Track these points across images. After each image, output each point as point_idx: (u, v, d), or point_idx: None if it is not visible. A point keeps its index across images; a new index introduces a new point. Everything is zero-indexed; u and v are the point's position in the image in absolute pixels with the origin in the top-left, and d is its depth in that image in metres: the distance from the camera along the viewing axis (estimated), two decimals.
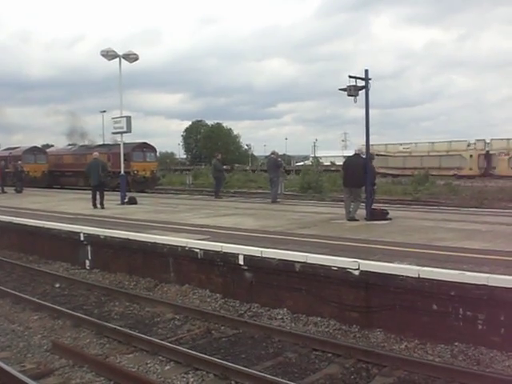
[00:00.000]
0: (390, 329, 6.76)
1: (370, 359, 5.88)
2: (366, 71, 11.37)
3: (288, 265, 7.83)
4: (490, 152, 43.76)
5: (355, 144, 57.69)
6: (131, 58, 18.52)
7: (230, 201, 20.80)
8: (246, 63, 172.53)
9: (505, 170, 40.99)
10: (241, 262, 8.43)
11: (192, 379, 5.56)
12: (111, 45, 18.19)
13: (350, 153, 14.75)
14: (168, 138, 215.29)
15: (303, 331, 7.02)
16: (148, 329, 7.33)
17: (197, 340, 6.85)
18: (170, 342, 6.54)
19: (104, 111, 59.55)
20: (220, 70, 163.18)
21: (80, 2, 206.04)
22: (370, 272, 7.00)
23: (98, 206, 16.73)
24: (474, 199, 24.63)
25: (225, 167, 34.11)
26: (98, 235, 11.23)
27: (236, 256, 8.49)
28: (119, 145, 20.00)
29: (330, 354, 6.16)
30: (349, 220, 11.84)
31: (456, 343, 6.19)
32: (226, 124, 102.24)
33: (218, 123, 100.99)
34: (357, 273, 7.09)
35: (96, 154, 18.64)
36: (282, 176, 25.38)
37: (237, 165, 70.67)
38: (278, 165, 18.76)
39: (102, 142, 43.45)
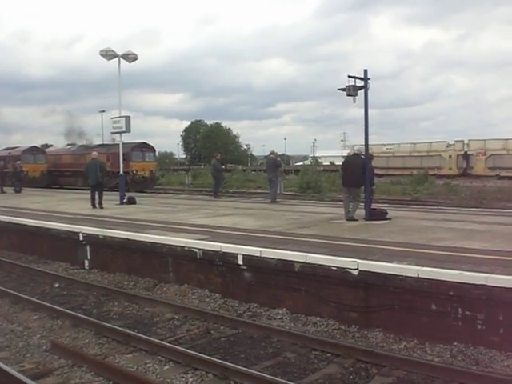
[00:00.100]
0: (389, 329, 6.76)
1: (369, 359, 5.89)
2: (365, 71, 11.37)
3: (287, 265, 7.83)
4: (468, 152, 45.09)
5: (355, 144, 58.63)
6: (130, 57, 18.50)
7: (229, 201, 20.80)
8: (245, 63, 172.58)
9: (482, 170, 42.24)
10: (240, 261, 8.43)
11: (191, 379, 5.56)
12: (110, 45, 18.12)
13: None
14: (167, 138, 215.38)
15: (302, 331, 7.02)
16: (147, 329, 7.33)
17: (196, 340, 6.85)
18: (169, 342, 6.54)
19: (103, 111, 59.64)
20: (219, 70, 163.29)
21: (79, 2, 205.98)
22: (369, 272, 7.00)
23: (97, 205, 16.73)
24: (473, 199, 24.66)
25: (224, 167, 34.12)
26: (97, 235, 11.22)
27: (235, 256, 8.49)
28: (118, 145, 19.99)
29: (329, 354, 6.16)
30: (348, 220, 11.84)
31: (455, 343, 6.19)
32: (225, 124, 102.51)
33: (217, 123, 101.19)
34: (356, 273, 7.10)
35: (95, 153, 18.62)
36: (281, 176, 25.42)
37: (230, 164, 68.63)
38: (277, 165, 18.76)
39: (100, 142, 43.51)
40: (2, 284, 10.01)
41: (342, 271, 7.23)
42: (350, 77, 11.35)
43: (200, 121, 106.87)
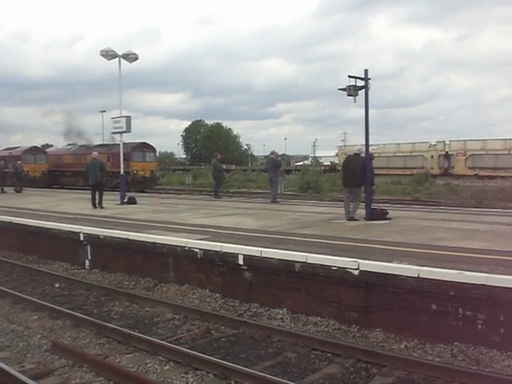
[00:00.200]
0: (390, 329, 6.76)
1: (369, 359, 5.89)
2: (366, 71, 11.37)
3: (288, 265, 7.83)
4: (449, 153, 46.40)
5: (343, 145, 59.47)
6: (131, 57, 18.51)
7: (229, 201, 20.80)
8: (244, 63, 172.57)
9: (462, 170, 43.53)
10: (240, 261, 8.43)
11: (192, 379, 5.56)
12: (110, 45, 18.15)
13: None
14: (167, 138, 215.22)
15: (303, 331, 7.03)
16: (147, 329, 7.33)
17: (196, 340, 6.85)
18: (169, 342, 6.54)
19: (103, 111, 59.68)
20: (219, 70, 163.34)
21: (79, 2, 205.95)
22: (369, 272, 7.00)
23: (97, 205, 16.74)
24: (474, 199, 24.65)
25: (224, 167, 34.10)
26: (98, 235, 11.23)
27: (236, 256, 8.49)
28: (119, 145, 20.00)
29: (329, 354, 6.17)
30: (348, 220, 11.84)
31: (455, 343, 6.19)
32: (225, 124, 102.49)
33: (217, 123, 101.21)
34: (356, 273, 7.10)
35: (95, 153, 18.63)
36: (282, 176, 25.41)
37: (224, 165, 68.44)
38: (277, 164, 18.76)
39: (99, 142, 43.55)
40: (2, 284, 10.01)
41: (343, 271, 7.23)
42: (350, 77, 11.34)
43: (200, 121, 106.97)
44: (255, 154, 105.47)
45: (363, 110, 11.53)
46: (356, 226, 11.24)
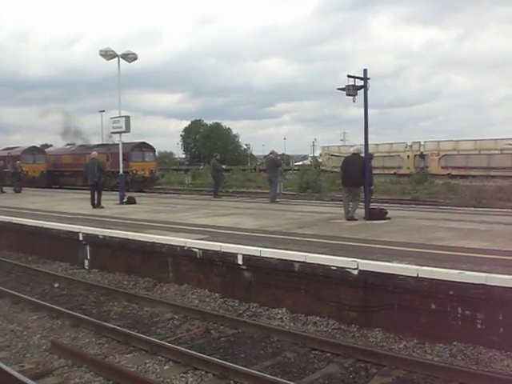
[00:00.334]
0: (389, 328, 6.76)
1: (368, 359, 5.89)
2: (365, 71, 11.37)
3: (287, 264, 7.83)
4: (424, 153, 48.04)
5: (326, 145, 60.68)
6: (130, 57, 18.50)
7: (228, 200, 20.79)
8: (244, 63, 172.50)
9: (435, 169, 45.07)
10: (240, 261, 8.43)
11: (191, 379, 5.56)
12: (110, 45, 18.19)
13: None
14: (167, 138, 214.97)
15: (302, 331, 7.03)
16: (147, 328, 7.33)
17: (196, 340, 6.85)
18: (168, 342, 6.54)
19: (103, 111, 59.63)
20: (218, 70, 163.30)
21: (78, 2, 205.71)
22: (368, 271, 7.00)
23: (96, 205, 16.75)
24: (473, 199, 24.66)
25: (224, 167, 34.15)
26: (97, 235, 11.22)
27: (235, 256, 8.49)
28: (118, 144, 20.00)
29: (328, 354, 6.17)
30: (348, 219, 11.84)
31: (455, 343, 6.19)
32: (224, 124, 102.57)
33: (216, 123, 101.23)
34: (356, 272, 7.10)
35: (94, 153, 18.61)
36: (281, 175, 25.41)
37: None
38: (277, 164, 18.76)
39: (97, 141, 43.71)
40: (1, 284, 10.00)
41: (342, 271, 7.23)
42: (349, 76, 11.34)
43: (200, 120, 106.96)
44: (254, 153, 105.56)
45: (362, 110, 11.54)
46: (355, 225, 11.25)
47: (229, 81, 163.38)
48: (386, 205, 15.74)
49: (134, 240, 10.36)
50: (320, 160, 58.13)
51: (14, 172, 28.65)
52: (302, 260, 7.68)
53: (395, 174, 44.28)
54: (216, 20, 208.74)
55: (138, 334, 6.79)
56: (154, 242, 9.96)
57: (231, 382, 5.43)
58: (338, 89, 11.54)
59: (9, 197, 24.60)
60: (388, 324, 6.81)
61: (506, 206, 20.45)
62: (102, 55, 17.99)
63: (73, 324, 7.50)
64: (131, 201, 18.32)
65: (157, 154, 44.12)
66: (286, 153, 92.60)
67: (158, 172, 43.19)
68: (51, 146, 51.24)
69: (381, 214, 12.03)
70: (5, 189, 27.43)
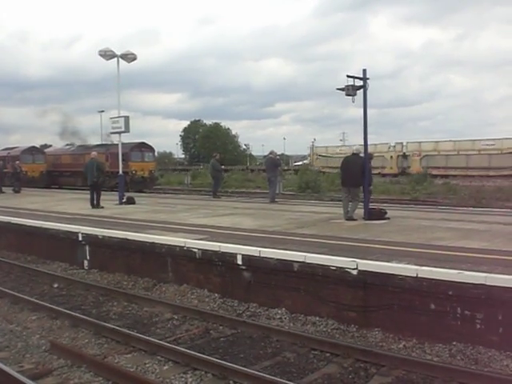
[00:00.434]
0: (388, 328, 6.76)
1: (368, 359, 5.89)
2: (364, 71, 11.37)
3: (286, 264, 7.83)
4: (406, 153, 49.64)
5: (316, 146, 61.47)
6: (129, 57, 18.50)
7: (228, 200, 20.80)
8: (243, 63, 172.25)
9: (417, 169, 46.16)
10: (239, 261, 8.43)
11: (190, 379, 5.56)
12: (109, 45, 18.21)
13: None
14: (166, 138, 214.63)
15: (301, 331, 7.03)
16: (146, 329, 7.33)
17: (195, 340, 6.85)
18: (168, 342, 6.54)
19: (102, 111, 59.58)
20: (218, 70, 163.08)
21: (78, 1, 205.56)
22: (368, 271, 7.01)
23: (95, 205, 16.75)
24: (472, 199, 24.68)
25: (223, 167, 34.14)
26: (97, 235, 11.22)
27: (234, 256, 8.49)
28: (117, 145, 19.98)
29: (328, 354, 6.17)
30: (347, 220, 11.84)
31: (454, 342, 6.19)
32: (224, 124, 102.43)
33: (216, 123, 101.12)
34: (355, 272, 7.10)
35: (94, 153, 18.63)
36: (280, 175, 25.41)
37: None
38: (276, 164, 18.76)
39: (94, 141, 43.73)
40: (1, 284, 10.00)
41: (341, 271, 7.23)
42: (348, 76, 11.35)
43: (199, 121, 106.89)
44: (254, 153, 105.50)
45: (362, 110, 11.54)
46: (354, 225, 11.25)
47: (228, 81, 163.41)
48: (385, 205, 15.76)
49: (134, 240, 10.36)
50: (307, 161, 60.23)
51: (14, 172, 28.65)
52: (301, 260, 7.69)
53: (379, 173, 45.03)
54: (216, 20, 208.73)
55: (138, 334, 6.79)
56: (153, 242, 9.96)
57: (230, 382, 5.42)
58: (338, 89, 11.55)
59: (8, 197, 24.59)
60: (387, 324, 6.81)
61: (505, 206, 20.47)
62: (101, 55, 17.99)
63: (72, 324, 7.49)
64: (130, 201, 18.32)
65: (156, 154, 44.13)
66: (286, 153, 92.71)
67: (158, 172, 43.20)
68: (50, 146, 51.25)
69: (380, 214, 12.03)
70: (4, 189, 27.42)
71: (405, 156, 49.49)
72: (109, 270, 10.78)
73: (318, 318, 7.37)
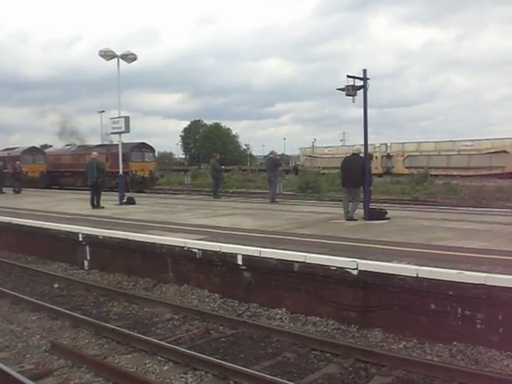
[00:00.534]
0: (389, 328, 6.76)
1: (368, 359, 5.89)
2: (365, 71, 11.37)
3: (287, 264, 7.84)
4: (390, 154, 51.39)
5: (304, 147, 62.79)
6: (129, 58, 18.50)
7: (228, 201, 20.80)
8: (243, 63, 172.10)
9: (400, 169, 48.44)
10: (239, 261, 8.43)
11: (191, 379, 5.56)
12: (109, 45, 18.22)
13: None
14: (166, 138, 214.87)
15: (302, 331, 7.03)
16: (147, 329, 7.33)
17: (195, 340, 6.85)
18: (168, 342, 6.54)
19: (102, 111, 59.60)
20: (218, 70, 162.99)
21: (78, 2, 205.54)
22: (368, 272, 7.01)
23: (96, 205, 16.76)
24: (473, 199, 24.69)
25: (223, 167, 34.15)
26: (97, 235, 11.22)
27: (234, 256, 8.49)
28: (118, 145, 19.99)
29: (328, 354, 6.17)
30: (347, 220, 11.84)
31: (454, 343, 6.20)
32: (224, 124, 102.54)
33: (216, 123, 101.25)
34: (355, 272, 7.11)
35: (94, 154, 18.64)
36: (281, 176, 25.41)
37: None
38: (276, 164, 18.76)
39: (93, 141, 43.77)
40: (1, 284, 10.01)
41: (342, 271, 7.23)
42: (349, 76, 11.35)
43: (199, 121, 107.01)
44: (254, 153, 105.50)
45: (362, 110, 11.54)
46: (355, 225, 11.25)
47: (228, 81, 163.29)
48: (385, 205, 15.77)
49: (134, 240, 10.36)
50: (299, 162, 61.87)
51: (14, 172, 28.67)
52: (301, 260, 7.69)
53: None
54: (215, 20, 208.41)
55: (138, 335, 6.79)
56: (153, 243, 9.96)
57: (231, 382, 5.43)
58: (338, 89, 11.55)
59: (8, 197, 24.60)
60: (388, 324, 6.81)
61: (505, 206, 20.48)
62: (101, 55, 17.99)
63: (72, 324, 7.50)
64: (131, 201, 18.32)
65: (156, 154, 44.14)
66: (286, 153, 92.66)
67: (158, 172, 43.20)
68: (51, 146, 51.26)
69: (380, 214, 12.03)
70: (4, 189, 27.43)
71: (389, 156, 51.11)
72: (109, 271, 10.78)
73: (318, 318, 7.37)
